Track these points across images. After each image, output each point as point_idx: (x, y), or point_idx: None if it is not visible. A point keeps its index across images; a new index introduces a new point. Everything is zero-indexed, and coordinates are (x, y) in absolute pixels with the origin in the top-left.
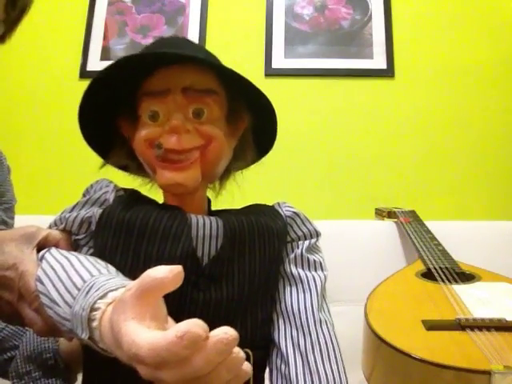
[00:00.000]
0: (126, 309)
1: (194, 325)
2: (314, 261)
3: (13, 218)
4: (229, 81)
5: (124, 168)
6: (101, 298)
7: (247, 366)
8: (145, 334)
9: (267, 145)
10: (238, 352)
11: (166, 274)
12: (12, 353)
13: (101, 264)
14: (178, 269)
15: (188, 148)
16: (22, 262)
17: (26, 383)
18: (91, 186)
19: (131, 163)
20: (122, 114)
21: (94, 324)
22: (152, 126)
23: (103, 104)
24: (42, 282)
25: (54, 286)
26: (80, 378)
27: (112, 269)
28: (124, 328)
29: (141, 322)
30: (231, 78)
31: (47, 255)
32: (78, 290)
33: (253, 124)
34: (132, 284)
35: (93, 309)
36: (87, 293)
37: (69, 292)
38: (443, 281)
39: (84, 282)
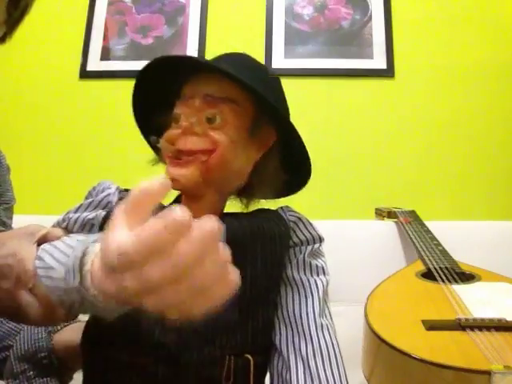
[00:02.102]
0: (114, 221)
1: (177, 212)
2: (317, 266)
3: (11, 219)
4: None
5: None
6: (93, 243)
7: (236, 275)
8: (128, 232)
9: (301, 182)
10: (224, 248)
11: (152, 185)
12: (6, 353)
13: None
14: (165, 180)
15: (192, 149)
16: (21, 252)
17: (21, 382)
18: (93, 188)
19: None
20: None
21: (86, 267)
22: (173, 127)
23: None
24: (40, 258)
25: (50, 254)
26: (75, 376)
27: None
28: (110, 236)
29: (127, 228)
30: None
31: (46, 244)
32: (73, 249)
33: (283, 149)
34: (117, 210)
35: (85, 253)
36: (82, 246)
37: (63, 253)
38: (443, 281)
39: (79, 242)
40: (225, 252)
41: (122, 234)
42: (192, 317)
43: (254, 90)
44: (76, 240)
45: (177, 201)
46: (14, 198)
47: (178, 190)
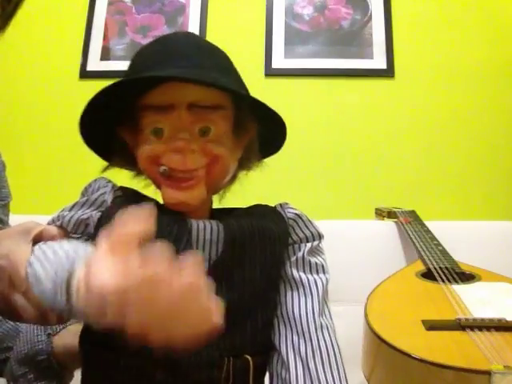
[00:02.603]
0: (100, 253)
1: (158, 261)
2: (316, 264)
3: (8, 215)
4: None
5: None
6: (80, 264)
7: (217, 305)
8: (111, 269)
9: (272, 149)
10: (206, 289)
11: (135, 228)
12: (7, 354)
13: (91, 247)
14: (150, 210)
15: (193, 168)
16: (15, 253)
17: None
18: (90, 185)
19: (132, 168)
20: (123, 123)
21: (72, 287)
22: (155, 142)
23: (103, 110)
24: (31, 265)
25: (41, 264)
26: (77, 376)
27: None
28: (94, 266)
29: (111, 257)
30: (237, 95)
31: (41, 244)
32: (62, 265)
33: (259, 132)
34: (102, 240)
35: (72, 273)
36: (70, 264)
37: (53, 267)
38: (443, 281)
39: (68, 257)
40: (206, 289)
41: (104, 270)
42: (173, 346)
43: (248, 96)
44: (65, 254)
45: None
46: (10, 195)
47: (184, 211)
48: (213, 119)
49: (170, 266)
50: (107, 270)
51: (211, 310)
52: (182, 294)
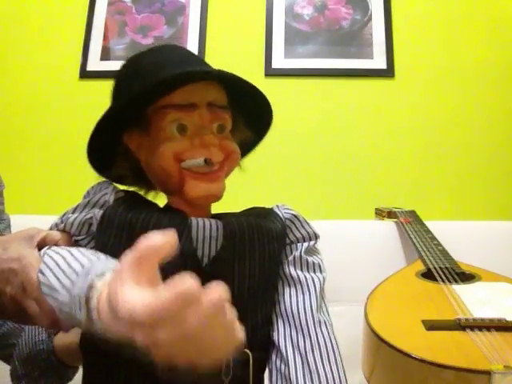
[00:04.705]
0: (122, 275)
1: (187, 282)
2: (313, 263)
3: (3, 204)
4: (235, 96)
5: (118, 180)
6: (99, 277)
7: (241, 332)
8: (140, 293)
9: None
10: (231, 313)
11: (159, 241)
12: (12, 350)
13: (100, 254)
14: (171, 235)
15: (217, 162)
16: (26, 257)
17: None
18: (92, 187)
19: (130, 174)
20: (131, 126)
21: (92, 302)
22: (180, 139)
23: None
24: (43, 273)
25: (54, 274)
26: (77, 376)
27: (111, 259)
28: (120, 291)
29: (137, 284)
30: (242, 93)
31: (49, 251)
32: (77, 275)
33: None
34: (127, 253)
35: (91, 287)
36: (86, 275)
37: (68, 277)
38: (443, 281)
39: (83, 267)
40: (231, 313)
41: (132, 295)
42: (197, 367)
43: (262, 94)
44: (79, 265)
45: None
46: (2, 183)
47: (209, 203)
48: (225, 118)
49: (197, 283)
50: (135, 293)
51: (236, 330)
52: (210, 311)
